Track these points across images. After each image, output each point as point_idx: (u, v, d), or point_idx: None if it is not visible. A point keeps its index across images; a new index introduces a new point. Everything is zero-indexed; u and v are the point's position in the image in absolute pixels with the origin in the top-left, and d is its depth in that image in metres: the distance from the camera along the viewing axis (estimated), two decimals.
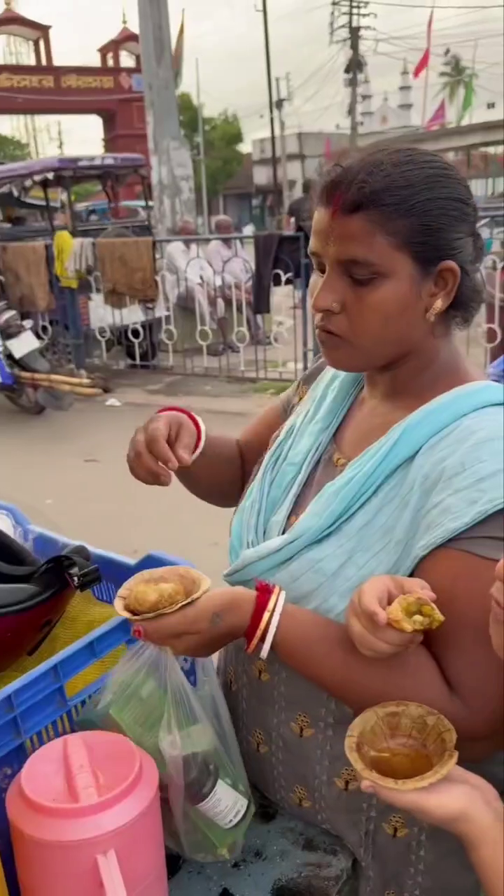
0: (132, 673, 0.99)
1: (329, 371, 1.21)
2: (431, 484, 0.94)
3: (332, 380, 1.18)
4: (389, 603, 0.83)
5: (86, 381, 6.58)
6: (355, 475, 1.01)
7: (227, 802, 0.99)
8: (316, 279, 1.01)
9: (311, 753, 1.06)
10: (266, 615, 0.93)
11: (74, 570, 1.13)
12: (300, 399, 1.26)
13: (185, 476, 1.26)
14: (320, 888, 1.02)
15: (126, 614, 0.92)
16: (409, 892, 1.04)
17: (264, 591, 0.95)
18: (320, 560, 0.99)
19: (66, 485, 5.19)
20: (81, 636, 1.06)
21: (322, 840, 1.08)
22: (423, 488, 0.94)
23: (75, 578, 1.12)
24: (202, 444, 1.20)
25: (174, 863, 1.07)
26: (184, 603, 0.91)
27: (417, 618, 0.81)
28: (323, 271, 0.99)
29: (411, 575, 0.93)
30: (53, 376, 6.66)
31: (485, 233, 7.32)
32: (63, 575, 1.14)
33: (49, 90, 29.75)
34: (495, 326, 5.88)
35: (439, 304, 0.98)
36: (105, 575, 1.30)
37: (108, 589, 1.35)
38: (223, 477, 1.32)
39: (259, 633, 0.93)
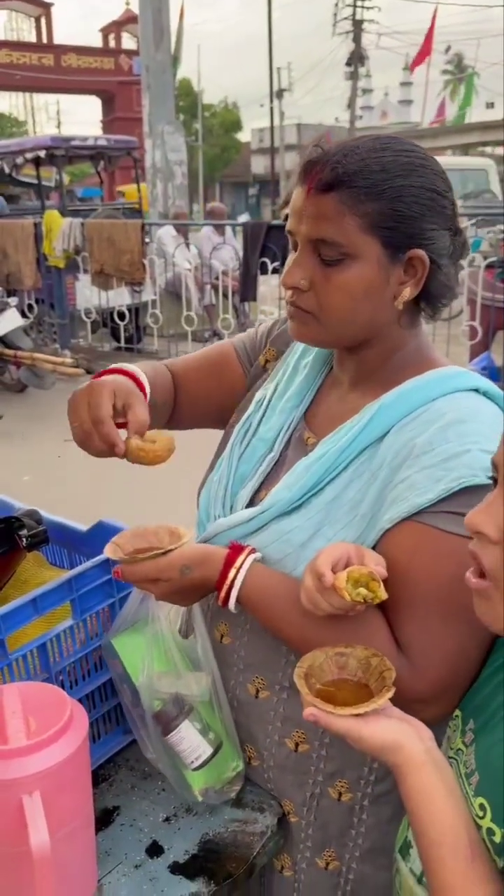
0: (136, 612, 1.12)
1: (299, 347, 1.21)
2: (400, 461, 0.97)
3: (305, 354, 1.19)
4: (348, 566, 0.88)
5: (69, 361, 6.58)
6: (327, 451, 1.04)
7: (190, 743, 1.05)
8: (291, 254, 1.04)
9: (264, 715, 1.11)
10: (233, 571, 1.01)
11: (23, 532, 1.16)
12: (266, 361, 1.26)
13: None
14: (244, 843, 1.06)
15: (110, 555, 1.03)
16: (349, 854, 1.08)
17: (236, 550, 1.03)
18: (289, 531, 1.04)
19: (44, 463, 5.21)
20: None
21: (251, 798, 1.13)
22: (392, 465, 0.98)
23: (24, 539, 1.15)
24: (147, 399, 1.13)
25: (108, 815, 1.12)
26: (158, 552, 1.01)
27: (362, 590, 0.86)
28: (294, 247, 1.02)
29: (375, 546, 0.97)
30: (37, 355, 6.65)
31: (472, 231, 7.37)
32: (12, 536, 1.17)
33: (48, 68, 29.48)
34: (476, 324, 5.93)
35: (408, 292, 1.00)
36: (58, 540, 1.35)
37: (60, 553, 1.39)
38: (160, 418, 1.26)
39: (226, 586, 1.01)
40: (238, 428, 1.20)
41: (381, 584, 0.87)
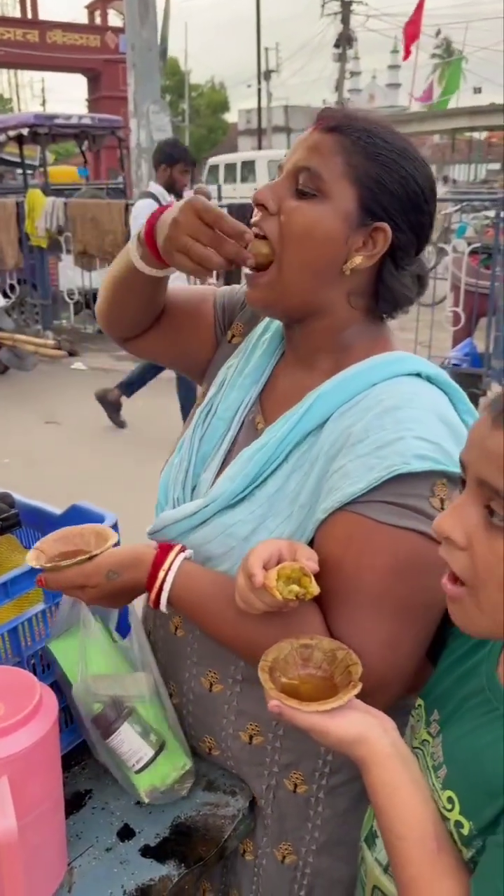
0: (73, 615, 1.09)
1: (261, 324, 1.19)
2: (337, 450, 0.96)
3: (265, 331, 1.18)
4: (280, 562, 0.87)
5: (51, 342, 6.54)
6: (269, 441, 1.03)
7: (131, 746, 1.04)
8: None
9: (219, 708, 1.10)
10: (161, 573, 0.98)
11: None
12: (233, 336, 1.23)
13: (122, 298, 1.19)
14: (216, 826, 1.06)
15: (32, 563, 1.00)
16: (306, 847, 1.08)
17: (164, 550, 1.00)
18: (232, 525, 1.02)
19: (24, 446, 5.18)
20: None
21: (223, 782, 1.13)
22: (329, 454, 0.97)
23: None
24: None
25: (80, 799, 1.12)
26: (81, 559, 0.99)
27: (293, 587, 0.85)
28: None
29: (313, 538, 0.96)
30: (18, 336, 6.61)
31: (458, 217, 7.36)
32: None
33: (33, 45, 28.98)
34: (459, 310, 5.93)
35: (358, 260, 0.98)
36: (32, 523, 1.34)
37: (34, 537, 1.37)
38: (151, 312, 1.22)
39: (155, 589, 0.98)
40: (200, 409, 1.19)
41: (313, 580, 0.85)
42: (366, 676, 0.87)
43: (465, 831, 0.74)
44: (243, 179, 17.79)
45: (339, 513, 0.93)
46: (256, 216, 1.02)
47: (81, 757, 1.19)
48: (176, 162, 4.89)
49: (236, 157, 19.49)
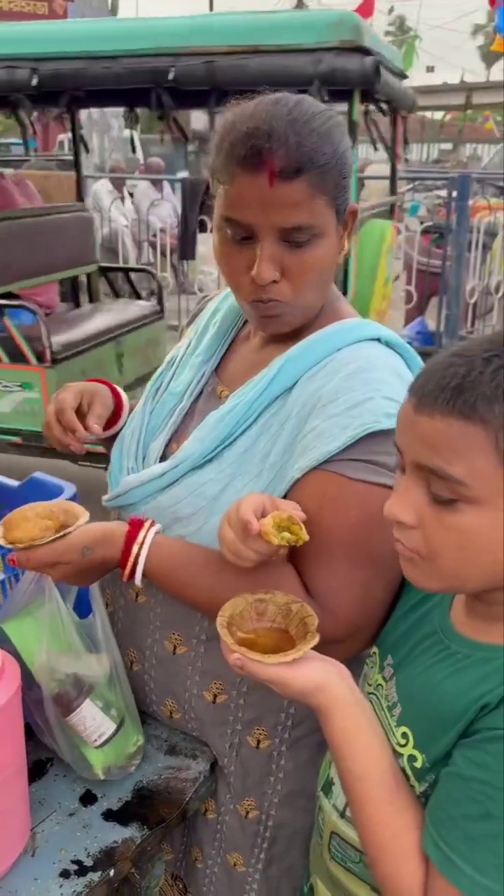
0: (29, 593, 1.08)
1: (212, 304, 1.23)
2: (308, 411, 0.99)
3: (215, 313, 1.21)
4: (263, 517, 0.89)
5: None
6: (238, 403, 1.05)
7: (93, 721, 1.05)
8: (227, 244, 0.98)
9: (182, 669, 1.12)
10: (135, 547, 1.00)
11: None
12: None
13: (110, 447, 1.25)
14: (177, 789, 1.09)
15: (2, 542, 0.99)
16: (268, 800, 1.12)
17: (136, 525, 1.02)
18: (202, 484, 1.04)
19: None
20: None
21: (184, 746, 1.15)
22: (300, 416, 1.00)
23: None
24: (124, 416, 1.23)
25: (42, 766, 1.12)
26: (54, 537, 0.99)
27: (285, 534, 0.87)
28: (247, 238, 0.96)
29: (285, 496, 0.99)
30: None
31: (410, 196, 7.41)
32: None
33: None
34: (412, 289, 5.99)
35: (346, 244, 1.03)
36: None
37: None
38: None
39: (130, 563, 1.00)
40: (150, 384, 1.22)
41: (303, 527, 0.88)
42: (342, 625, 0.92)
43: (419, 764, 0.79)
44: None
45: (314, 471, 0.96)
46: (258, 292, 0.98)
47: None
48: None
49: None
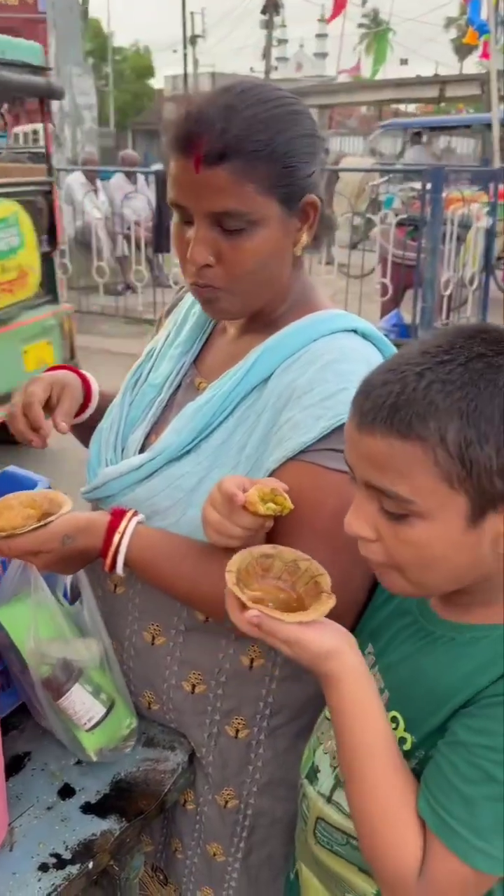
0: (18, 581, 1.08)
1: (189, 297, 1.22)
2: (283, 403, 1.00)
3: (193, 304, 1.20)
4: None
5: None
6: (214, 395, 1.05)
7: (83, 705, 1.05)
8: (180, 228, 1.00)
9: (161, 660, 1.12)
10: (116, 536, 1.00)
11: None
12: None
13: (80, 433, 1.26)
14: (156, 780, 1.09)
15: None
16: (247, 789, 1.12)
17: (118, 515, 1.02)
18: (180, 476, 1.04)
19: None
20: None
21: (162, 738, 1.15)
22: (276, 407, 1.00)
23: None
24: (93, 404, 1.22)
25: (19, 761, 1.12)
26: (36, 525, 0.99)
27: (270, 505, 0.87)
28: (188, 221, 0.98)
29: None
30: None
31: (385, 189, 7.44)
32: None
33: None
34: (387, 281, 6.02)
35: (305, 238, 1.02)
36: None
37: None
38: None
39: (111, 553, 1.00)
40: (129, 376, 1.21)
41: (287, 497, 0.88)
42: None
43: (407, 746, 0.80)
44: None
45: (291, 462, 0.96)
46: (194, 274, 0.99)
47: (20, 720, 1.19)
48: None
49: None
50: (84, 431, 1.23)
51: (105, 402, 1.23)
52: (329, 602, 0.79)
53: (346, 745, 0.78)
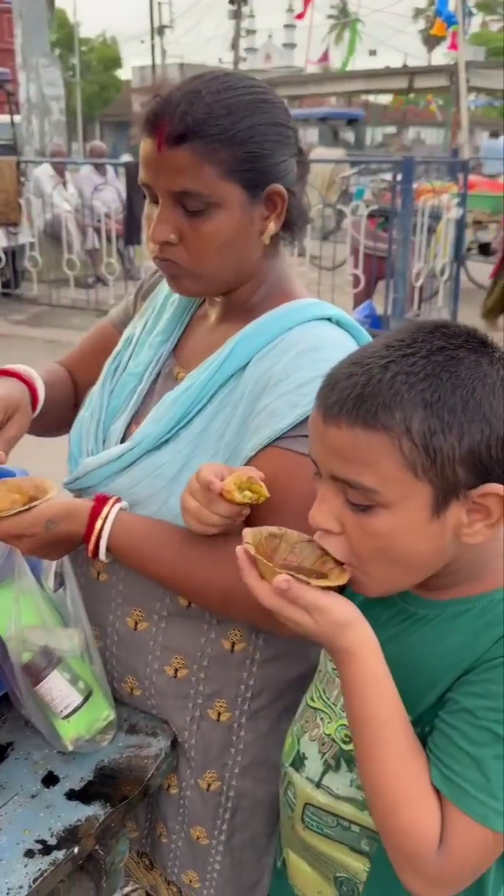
0: (2, 568, 1.09)
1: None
2: (260, 390, 1.01)
3: (172, 293, 1.20)
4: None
5: None
6: (192, 384, 1.06)
7: (60, 692, 1.05)
8: (150, 209, 1.03)
9: (143, 645, 1.13)
10: (99, 522, 1.01)
11: None
12: (136, 312, 1.27)
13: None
14: (139, 766, 1.10)
15: None
16: (229, 772, 1.13)
17: (101, 501, 1.03)
18: (160, 465, 1.05)
19: None
20: None
21: (145, 725, 1.16)
22: (252, 395, 1.02)
23: None
24: (40, 405, 1.19)
25: (2, 751, 1.12)
26: (20, 509, 1.00)
27: (247, 493, 0.89)
28: (155, 201, 1.01)
29: None
30: None
31: (356, 180, 7.46)
32: None
33: None
34: (359, 272, 6.05)
35: (272, 226, 1.03)
36: None
37: None
38: (60, 419, 1.28)
39: (94, 538, 1.01)
40: (108, 364, 1.21)
41: (263, 486, 0.89)
42: None
43: None
44: None
45: (267, 449, 0.98)
46: (156, 250, 1.02)
47: (2, 711, 1.19)
48: None
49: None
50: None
51: (49, 402, 1.20)
52: (344, 576, 0.79)
53: (362, 720, 0.77)
